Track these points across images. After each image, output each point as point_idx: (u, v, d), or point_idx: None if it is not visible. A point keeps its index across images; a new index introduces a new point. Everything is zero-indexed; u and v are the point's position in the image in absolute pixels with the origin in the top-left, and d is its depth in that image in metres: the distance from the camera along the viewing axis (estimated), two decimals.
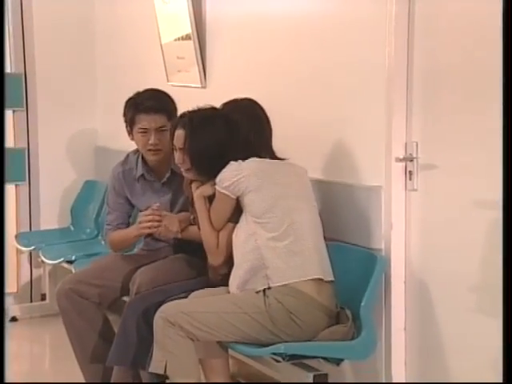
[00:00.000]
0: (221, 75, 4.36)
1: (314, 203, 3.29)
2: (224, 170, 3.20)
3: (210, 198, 3.30)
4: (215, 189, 3.24)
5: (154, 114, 3.68)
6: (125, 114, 3.78)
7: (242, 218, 3.21)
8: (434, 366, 3.17)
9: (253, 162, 3.22)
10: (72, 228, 5.48)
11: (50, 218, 5.58)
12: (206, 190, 3.30)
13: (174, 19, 4.58)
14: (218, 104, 3.56)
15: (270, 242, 3.12)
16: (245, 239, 3.18)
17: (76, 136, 5.65)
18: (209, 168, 3.26)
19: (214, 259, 3.32)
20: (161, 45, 4.76)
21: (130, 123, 3.73)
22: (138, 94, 3.78)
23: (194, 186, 3.36)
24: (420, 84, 3.17)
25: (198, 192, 3.32)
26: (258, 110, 3.41)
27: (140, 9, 4.94)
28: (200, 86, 4.48)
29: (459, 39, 3.02)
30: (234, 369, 4.19)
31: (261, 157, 3.27)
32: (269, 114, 3.62)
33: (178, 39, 4.60)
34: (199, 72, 4.46)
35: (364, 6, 3.32)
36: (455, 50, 3.04)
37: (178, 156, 3.36)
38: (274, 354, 3.04)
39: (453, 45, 3.05)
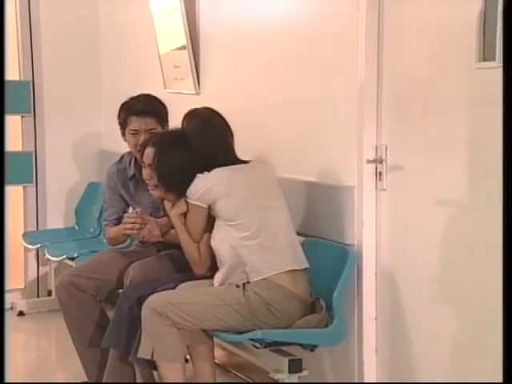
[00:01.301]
0: (213, 83, 4.55)
1: (282, 198, 3.47)
2: (193, 184, 3.38)
3: (185, 213, 3.48)
4: (187, 204, 3.44)
5: (145, 116, 3.90)
6: (119, 117, 4.00)
7: (216, 224, 3.41)
8: (402, 352, 3.37)
9: (218, 170, 3.40)
10: (76, 227, 5.65)
11: (56, 217, 5.75)
12: (181, 208, 3.48)
13: (171, 31, 4.76)
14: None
15: (243, 241, 3.32)
16: (220, 242, 3.39)
17: (81, 140, 5.81)
18: (175, 185, 3.44)
19: (198, 269, 3.53)
20: (159, 55, 4.94)
21: (123, 125, 3.95)
22: (131, 99, 4.00)
23: (166, 205, 3.54)
24: (389, 94, 3.36)
25: (173, 212, 3.50)
26: (218, 119, 3.58)
27: (141, 22, 5.12)
28: (194, 92, 4.67)
29: (424, 53, 3.22)
30: (225, 359, 4.44)
31: (225, 163, 3.43)
32: (255, 118, 3.85)
33: (175, 50, 4.77)
34: (193, 80, 4.65)
35: (338, 25, 3.54)
36: (420, 64, 3.24)
37: (145, 172, 3.56)
38: (253, 340, 3.27)
39: (418, 59, 3.25)
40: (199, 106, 3.89)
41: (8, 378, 3.22)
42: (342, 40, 3.52)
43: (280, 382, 3.32)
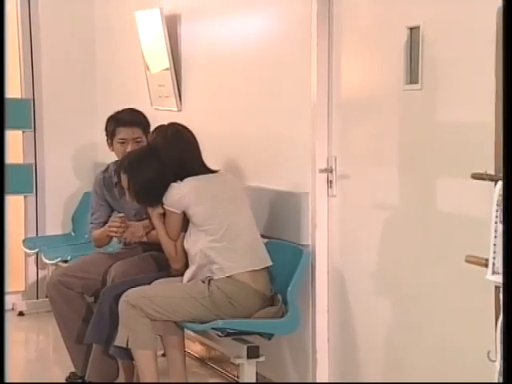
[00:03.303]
0: (193, 100, 4.93)
1: (246, 204, 3.86)
2: (168, 192, 3.78)
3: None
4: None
5: (132, 126, 4.28)
6: (106, 128, 4.36)
7: (190, 227, 3.81)
8: (350, 340, 3.76)
9: (190, 180, 3.78)
10: (73, 233, 5.95)
11: (55, 224, 6.03)
12: (159, 209, 3.87)
13: (157, 54, 5.14)
14: (191, 124, 4.10)
15: (211, 243, 3.71)
16: (192, 245, 3.78)
17: (77, 153, 6.08)
18: (152, 198, 3.84)
19: (175, 264, 3.93)
20: (146, 75, 5.33)
21: (111, 135, 4.33)
22: (118, 112, 4.37)
23: (148, 208, 3.94)
24: (337, 112, 3.74)
25: (154, 213, 3.90)
26: (186, 132, 3.95)
27: (133, 44, 5.43)
28: (176, 109, 5.04)
29: (364, 77, 3.63)
30: (206, 353, 4.83)
31: (196, 172, 3.81)
32: (228, 132, 4.21)
33: (160, 70, 5.14)
34: (175, 98, 5.02)
35: (293, 52, 3.95)
36: (362, 86, 3.65)
37: (128, 195, 3.95)
38: (216, 329, 3.65)
39: (360, 82, 3.67)
40: (181, 121, 4.28)
41: (8, 378, 3.37)
42: (298, 66, 3.91)
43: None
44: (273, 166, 4.14)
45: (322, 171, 3.79)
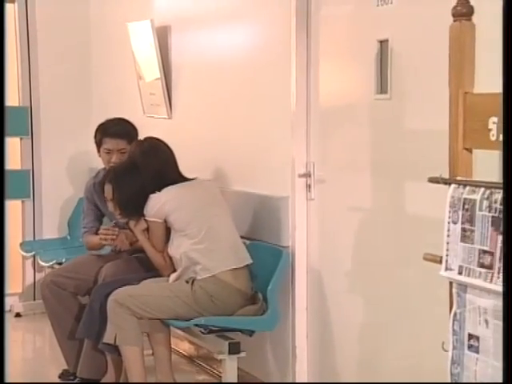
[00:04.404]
0: (183, 108, 5.12)
1: (225, 206, 4.04)
2: (147, 203, 3.96)
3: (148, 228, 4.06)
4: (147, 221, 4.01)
5: (117, 138, 4.46)
6: (95, 137, 4.56)
7: (172, 234, 4.00)
8: (328, 336, 3.94)
9: (168, 189, 3.97)
10: (69, 237, 6.07)
11: (51, 228, 6.17)
12: (142, 225, 4.06)
13: (148, 64, 5.32)
14: (180, 131, 4.23)
15: (193, 245, 3.89)
16: (175, 250, 3.96)
17: (73, 159, 6.20)
18: (134, 209, 4.01)
19: (165, 272, 4.08)
20: (138, 84, 5.51)
21: (98, 144, 4.53)
22: (107, 121, 4.56)
23: (130, 224, 4.12)
24: (315, 120, 3.93)
25: (136, 229, 4.08)
26: (163, 145, 4.12)
27: (127, 56, 5.60)
28: (167, 117, 5.21)
29: (339, 86, 3.82)
30: (194, 352, 5.02)
31: (174, 182, 3.99)
32: (215, 138, 4.39)
33: (152, 80, 5.31)
34: (166, 106, 5.18)
35: (274, 63, 4.14)
36: (337, 95, 3.84)
37: (110, 205, 4.13)
38: (199, 326, 3.84)
39: (335, 91, 3.84)
40: (170, 128, 4.45)
41: (8, 378, 3.48)
42: (278, 77, 4.10)
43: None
44: (255, 171, 4.33)
45: (300, 176, 3.97)
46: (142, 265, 4.33)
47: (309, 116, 3.97)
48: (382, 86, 3.48)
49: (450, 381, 2.58)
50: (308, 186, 3.98)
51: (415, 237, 3.31)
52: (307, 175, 3.97)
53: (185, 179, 4.09)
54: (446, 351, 2.59)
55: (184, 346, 5.00)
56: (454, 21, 2.59)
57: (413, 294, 3.34)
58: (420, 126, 3.29)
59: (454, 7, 2.58)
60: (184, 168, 4.19)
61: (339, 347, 3.89)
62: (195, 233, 3.91)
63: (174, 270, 4.04)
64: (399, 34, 3.37)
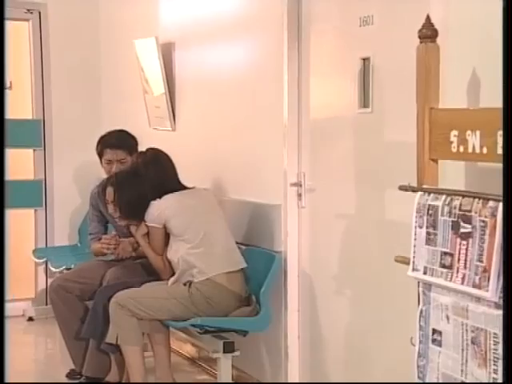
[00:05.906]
0: (186, 121, 5.33)
1: (220, 214, 4.26)
2: (148, 209, 4.17)
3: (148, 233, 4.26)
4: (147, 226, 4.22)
5: (117, 149, 4.69)
6: (96, 148, 4.78)
7: (170, 239, 4.21)
8: (318, 336, 4.13)
9: (168, 197, 4.18)
10: (79, 244, 6.27)
11: (63, 236, 6.37)
12: (142, 229, 4.28)
13: (154, 79, 5.54)
14: (183, 143, 4.39)
15: (191, 250, 4.11)
16: (173, 254, 4.18)
17: (83, 169, 6.30)
18: (134, 213, 4.22)
19: (164, 276, 4.30)
20: (144, 98, 5.72)
21: (100, 155, 4.76)
22: (108, 133, 4.78)
23: (131, 228, 4.33)
24: (306, 132, 4.14)
25: (137, 234, 4.29)
26: (164, 155, 4.33)
27: (134, 71, 5.81)
28: (171, 129, 5.42)
29: (326, 101, 4.00)
30: (196, 354, 5.22)
31: (173, 190, 4.20)
32: (216, 150, 4.62)
33: (157, 94, 5.51)
34: (170, 119, 5.40)
35: (267, 79, 4.36)
36: (325, 110, 4.01)
37: (110, 207, 4.33)
38: (195, 326, 4.06)
39: (323, 106, 4.04)
40: (174, 139, 4.64)
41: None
42: (271, 93, 4.32)
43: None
44: (249, 181, 4.55)
45: (292, 185, 4.18)
46: (144, 270, 4.54)
47: (300, 129, 4.19)
48: (365, 101, 3.70)
49: (416, 373, 2.80)
50: (299, 195, 4.17)
51: (395, 241, 3.50)
52: (298, 184, 4.17)
53: (184, 188, 4.31)
54: (413, 345, 2.80)
55: (186, 348, 5.22)
56: (421, 42, 2.83)
57: (397, 294, 3.49)
58: (397, 138, 3.50)
59: (420, 30, 2.82)
60: (184, 177, 4.42)
61: (329, 346, 4.08)
62: (192, 238, 4.13)
63: (173, 274, 4.25)
64: (380, 53, 3.59)
